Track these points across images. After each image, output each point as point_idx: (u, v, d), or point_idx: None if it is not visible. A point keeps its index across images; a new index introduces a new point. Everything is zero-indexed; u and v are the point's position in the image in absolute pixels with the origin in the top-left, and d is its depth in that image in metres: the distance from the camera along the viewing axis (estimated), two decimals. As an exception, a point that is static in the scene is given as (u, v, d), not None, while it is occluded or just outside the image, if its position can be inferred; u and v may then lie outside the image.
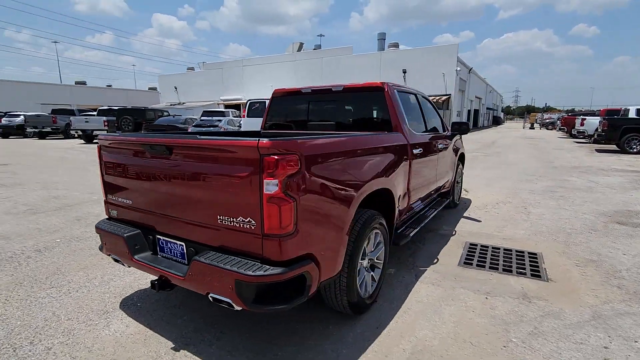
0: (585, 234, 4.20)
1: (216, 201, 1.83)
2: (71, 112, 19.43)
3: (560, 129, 23.16)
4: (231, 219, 1.80)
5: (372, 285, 2.63)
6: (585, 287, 2.94)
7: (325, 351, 2.14)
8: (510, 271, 3.27)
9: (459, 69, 26.10)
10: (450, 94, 26.52)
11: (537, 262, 3.44)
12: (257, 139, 1.66)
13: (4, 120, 20.73)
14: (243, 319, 2.47)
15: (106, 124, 16.18)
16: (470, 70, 32.18)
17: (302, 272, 1.81)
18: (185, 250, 2.07)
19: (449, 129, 4.76)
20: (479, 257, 3.59)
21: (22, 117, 19.97)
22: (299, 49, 36.99)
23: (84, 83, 56.81)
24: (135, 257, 2.19)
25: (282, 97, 3.86)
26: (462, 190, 6.66)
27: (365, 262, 2.53)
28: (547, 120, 39.04)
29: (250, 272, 1.69)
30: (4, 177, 7.86)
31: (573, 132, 19.54)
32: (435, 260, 3.52)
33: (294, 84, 33.46)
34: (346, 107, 3.55)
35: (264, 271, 1.70)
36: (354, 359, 2.06)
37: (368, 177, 2.33)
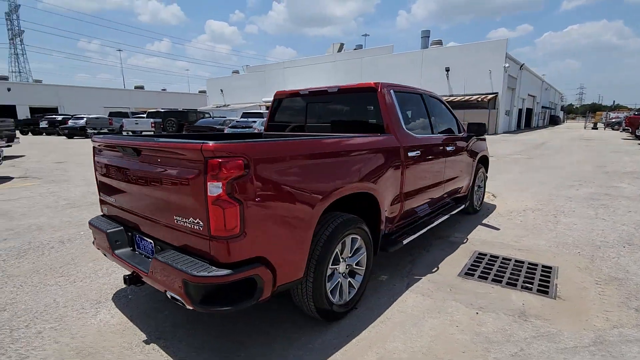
0: (617, 248, 3.75)
1: (172, 202, 1.89)
2: (125, 115, 21.08)
3: (624, 130, 20.83)
4: (184, 220, 1.84)
5: (349, 292, 2.55)
6: (597, 307, 2.62)
7: (287, 356, 2.11)
8: (515, 285, 3.01)
9: (507, 65, 24.52)
10: (497, 93, 25.00)
11: (549, 277, 3.13)
12: (203, 142, 1.69)
13: (70, 122, 23.01)
14: (219, 318, 2.52)
15: (153, 125, 17.33)
16: (521, 66, 30.09)
17: (252, 275, 1.80)
18: (153, 248, 2.16)
19: (465, 130, 4.50)
20: (484, 268, 3.35)
21: (84, 119, 22.03)
22: (339, 50, 36.99)
23: (142, 87, 61.47)
24: (115, 252, 2.32)
25: (284, 99, 3.88)
26: (489, 195, 6.27)
27: (341, 268, 2.46)
28: (613, 120, 35.36)
29: (195, 273, 1.72)
30: (57, 174, 8.73)
31: (638, 133, 17.53)
32: (435, 269, 3.34)
33: (332, 85, 33.51)
34: (341, 108, 3.49)
35: (208, 272, 1.72)
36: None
37: (338, 181, 2.26)
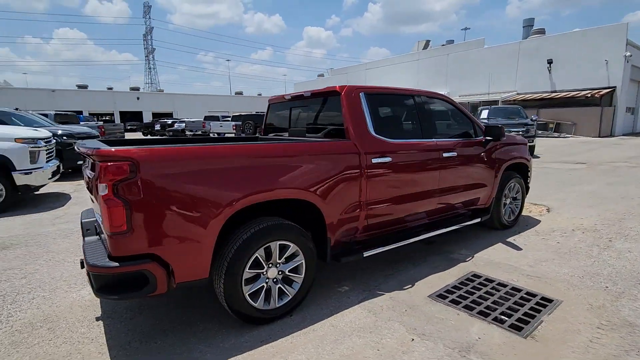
0: (666, 288, 2.90)
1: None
2: (216, 119, 23.61)
3: None
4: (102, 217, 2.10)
5: (282, 299, 2.54)
6: (574, 355, 2.11)
7: (193, 350, 2.23)
8: (488, 315, 2.59)
9: (629, 54, 20.28)
10: (614, 87, 20.89)
11: (539, 312, 2.61)
12: (101, 147, 1.91)
13: (176, 125, 26.72)
14: (161, 306, 2.76)
15: (234, 128, 19.06)
16: (654, 53, 24.53)
17: (141, 270, 1.97)
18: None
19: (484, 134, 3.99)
20: (467, 291, 2.95)
21: (185, 122, 25.35)
22: (425, 47, 35.29)
23: (241, 93, 67.97)
24: (84, 239, 2.73)
25: (275, 104, 3.98)
26: (542, 209, 5.40)
27: (270, 273, 2.47)
28: None
29: (91, 262, 1.96)
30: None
31: None
32: (409, 286, 3.07)
33: (415, 84, 32.23)
34: (314, 113, 3.43)
35: (100, 263, 1.94)
36: (205, 365, 2.09)
37: (251, 185, 2.27)
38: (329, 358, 2.13)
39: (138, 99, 49.73)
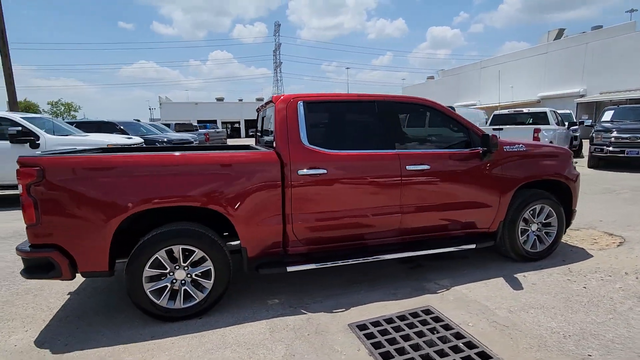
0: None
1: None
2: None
3: None
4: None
5: (189, 300, 2.67)
6: None
7: (98, 331, 2.55)
8: (389, 358, 2.20)
9: None
10: None
11: (456, 367, 2.09)
12: (26, 155, 2.40)
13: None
14: (99, 292, 3.20)
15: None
16: None
17: (45, 257, 2.39)
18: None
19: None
20: (398, 327, 2.55)
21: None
22: (557, 37, 29.95)
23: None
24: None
25: (260, 111, 4.10)
26: (613, 240, 4.18)
27: (177, 275, 2.63)
28: None
29: (18, 247, 2.46)
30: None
31: None
32: (342, 309, 2.81)
33: (539, 83, 27.69)
34: (269, 121, 3.42)
35: (20, 247, 2.43)
36: (77, 349, 2.37)
37: (147, 192, 2.48)
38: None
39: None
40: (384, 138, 3.12)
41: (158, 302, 2.60)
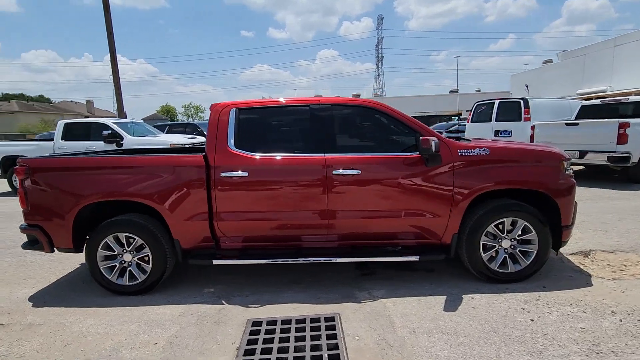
0: None
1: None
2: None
3: None
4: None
5: (134, 279, 3.18)
6: None
7: (70, 298, 3.26)
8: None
9: None
10: None
11: None
12: (26, 157, 3.23)
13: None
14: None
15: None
16: None
17: (32, 234, 3.17)
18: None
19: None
20: (273, 330, 2.62)
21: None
22: None
23: (456, 91, 64.58)
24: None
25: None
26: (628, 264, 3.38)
27: (126, 257, 3.17)
28: None
29: (20, 226, 3.31)
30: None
31: None
32: (257, 305, 2.99)
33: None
34: None
35: (20, 226, 3.27)
36: (50, 305, 3.07)
37: (96, 188, 3.04)
38: (71, 330, 2.67)
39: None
40: (312, 142, 3.12)
41: (109, 277, 3.18)
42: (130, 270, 3.19)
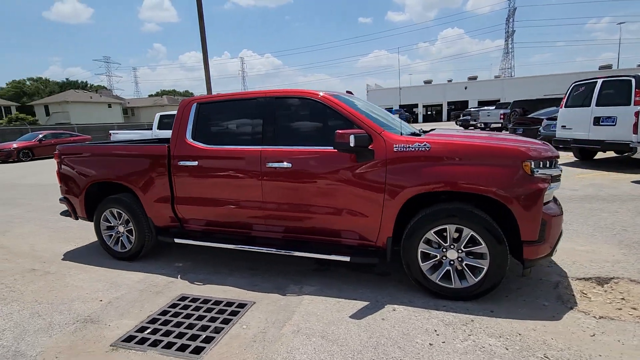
0: None
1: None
2: (503, 105, 21.23)
3: None
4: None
5: (127, 245, 3.85)
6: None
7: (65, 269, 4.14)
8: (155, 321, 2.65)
9: None
10: None
11: (164, 348, 2.32)
12: (61, 145, 4.20)
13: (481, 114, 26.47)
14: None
15: (502, 117, 16.79)
16: None
17: (64, 204, 4.12)
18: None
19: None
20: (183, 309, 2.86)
21: (481, 111, 24.56)
22: None
23: (608, 67, 52.66)
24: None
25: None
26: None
27: (119, 229, 3.87)
28: None
29: (59, 197, 4.32)
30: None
31: None
32: (199, 284, 3.31)
33: None
34: None
35: (59, 197, 4.27)
36: (69, 259, 3.95)
37: (95, 171, 3.76)
38: (64, 281, 3.37)
39: (466, 88, 51.52)
40: (253, 135, 3.21)
41: (108, 243, 3.92)
42: (121, 239, 3.88)
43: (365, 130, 2.82)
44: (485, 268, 2.59)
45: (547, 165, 2.58)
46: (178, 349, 2.31)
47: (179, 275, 3.47)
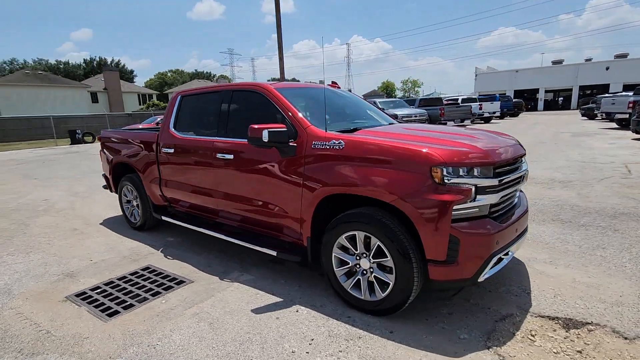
0: None
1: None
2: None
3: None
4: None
5: (137, 217, 4.55)
6: (26, 312, 2.72)
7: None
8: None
9: None
10: None
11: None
12: (104, 131, 5.10)
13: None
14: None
15: (630, 105, 13.48)
16: None
17: (104, 179, 5.04)
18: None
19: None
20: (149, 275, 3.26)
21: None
22: None
23: None
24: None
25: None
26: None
27: (133, 203, 4.58)
28: None
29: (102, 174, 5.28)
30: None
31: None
32: (170, 259, 3.73)
33: None
34: None
35: (103, 175, 5.22)
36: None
37: (116, 155, 4.48)
38: (83, 242, 4.14)
39: (607, 69, 42.02)
40: (211, 126, 3.39)
41: (127, 214, 4.67)
42: (134, 212, 4.57)
43: (293, 125, 2.74)
44: (391, 284, 2.30)
45: (475, 174, 2.12)
46: (103, 310, 2.72)
47: (161, 249, 3.95)
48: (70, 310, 2.72)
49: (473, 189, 2.10)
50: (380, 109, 4.13)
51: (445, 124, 15.94)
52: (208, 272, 3.29)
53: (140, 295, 2.92)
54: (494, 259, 2.21)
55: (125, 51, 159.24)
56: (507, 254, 2.37)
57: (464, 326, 2.32)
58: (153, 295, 2.92)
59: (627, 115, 13.76)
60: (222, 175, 3.26)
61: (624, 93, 16.93)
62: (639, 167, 6.95)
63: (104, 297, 2.93)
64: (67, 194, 7.03)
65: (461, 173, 2.11)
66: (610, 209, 4.52)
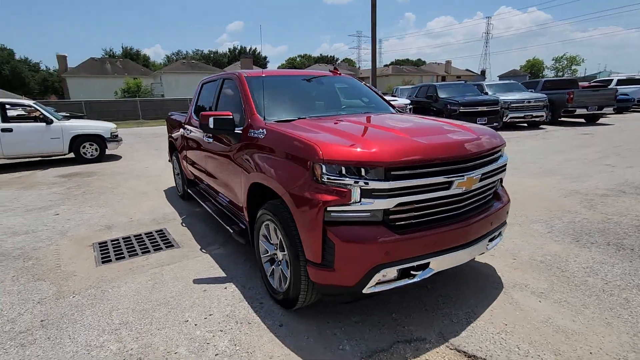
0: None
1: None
2: None
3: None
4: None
5: (181, 187, 5.37)
6: (62, 250, 3.63)
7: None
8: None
9: None
10: None
11: (101, 254, 3.49)
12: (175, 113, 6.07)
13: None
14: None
15: None
16: None
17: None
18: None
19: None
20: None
21: None
22: None
23: None
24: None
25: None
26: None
27: (178, 175, 5.41)
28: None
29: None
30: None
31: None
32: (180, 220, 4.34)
33: None
34: None
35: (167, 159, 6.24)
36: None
37: (170, 132, 5.31)
38: (117, 191, 5.11)
39: None
40: (209, 109, 3.73)
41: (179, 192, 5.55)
42: (178, 183, 5.39)
43: (244, 112, 2.85)
44: (288, 278, 2.26)
45: (361, 174, 1.88)
46: (103, 257, 3.42)
47: (184, 217, 4.60)
48: (86, 253, 3.51)
49: (355, 190, 1.87)
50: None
51: (574, 111, 13.04)
52: (197, 242, 3.73)
53: (135, 250, 3.55)
54: (386, 271, 1.94)
55: (266, 39, 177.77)
56: (424, 267, 2.04)
57: (357, 338, 2.13)
58: (143, 252, 3.50)
59: None
60: (205, 157, 3.63)
61: None
62: None
63: (114, 247, 3.66)
64: (166, 164, 8.60)
65: (344, 172, 1.90)
66: None
